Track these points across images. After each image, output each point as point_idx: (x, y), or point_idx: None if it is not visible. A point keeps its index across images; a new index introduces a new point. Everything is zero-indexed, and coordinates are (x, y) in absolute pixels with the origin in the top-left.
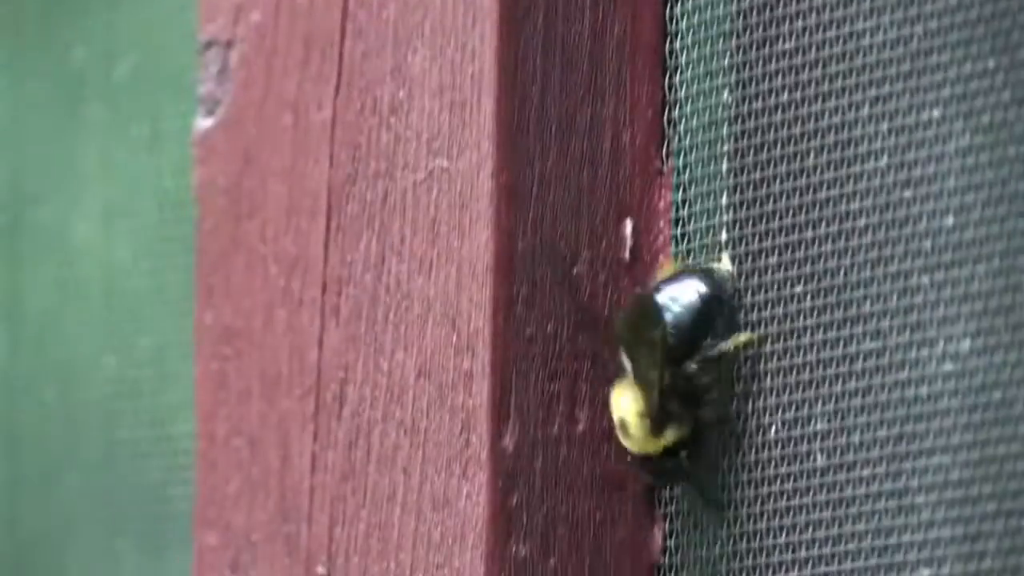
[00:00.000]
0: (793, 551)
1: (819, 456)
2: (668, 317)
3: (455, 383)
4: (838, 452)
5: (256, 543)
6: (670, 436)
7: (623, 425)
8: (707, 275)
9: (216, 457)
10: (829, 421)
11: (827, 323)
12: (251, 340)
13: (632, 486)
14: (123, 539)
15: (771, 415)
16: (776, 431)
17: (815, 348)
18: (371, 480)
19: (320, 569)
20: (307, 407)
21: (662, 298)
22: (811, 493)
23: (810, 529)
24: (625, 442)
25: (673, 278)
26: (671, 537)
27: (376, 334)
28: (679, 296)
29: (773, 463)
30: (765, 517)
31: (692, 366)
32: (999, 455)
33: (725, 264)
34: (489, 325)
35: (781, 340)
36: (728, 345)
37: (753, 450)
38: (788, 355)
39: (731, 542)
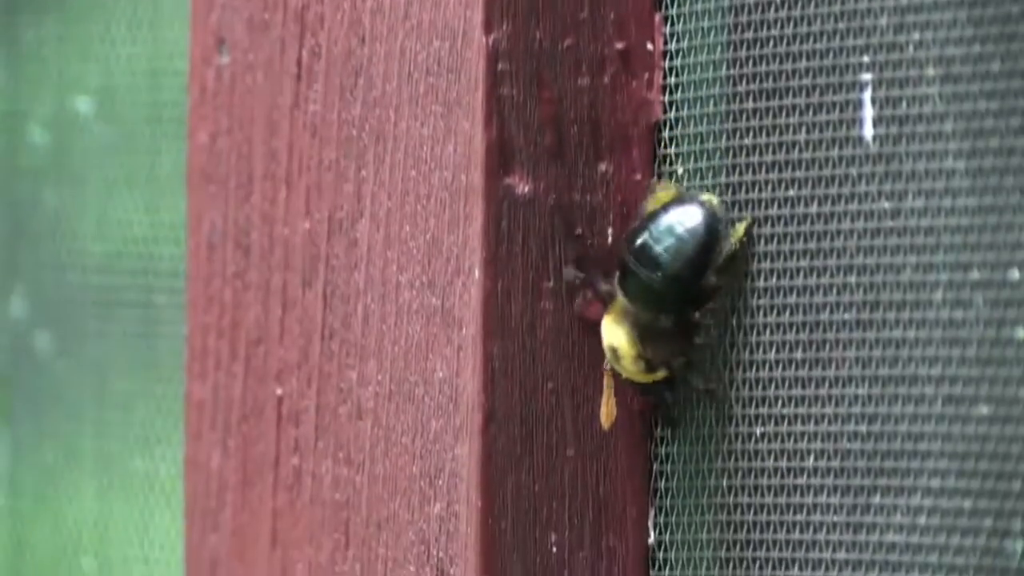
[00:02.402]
0: None
1: None
2: (669, 255)
3: None
4: None
5: None
6: (661, 373)
7: (615, 353)
8: (702, 206)
9: None
10: None
11: None
12: None
13: None
14: None
15: None
16: None
17: None
18: None
19: None
20: None
21: (659, 233)
22: None
23: None
24: (614, 365)
25: (667, 210)
26: None
27: None
28: (677, 232)
29: None
30: None
31: (711, 279)
32: None
33: (713, 197)
34: None
35: None
36: (732, 242)
37: None
38: None
39: None
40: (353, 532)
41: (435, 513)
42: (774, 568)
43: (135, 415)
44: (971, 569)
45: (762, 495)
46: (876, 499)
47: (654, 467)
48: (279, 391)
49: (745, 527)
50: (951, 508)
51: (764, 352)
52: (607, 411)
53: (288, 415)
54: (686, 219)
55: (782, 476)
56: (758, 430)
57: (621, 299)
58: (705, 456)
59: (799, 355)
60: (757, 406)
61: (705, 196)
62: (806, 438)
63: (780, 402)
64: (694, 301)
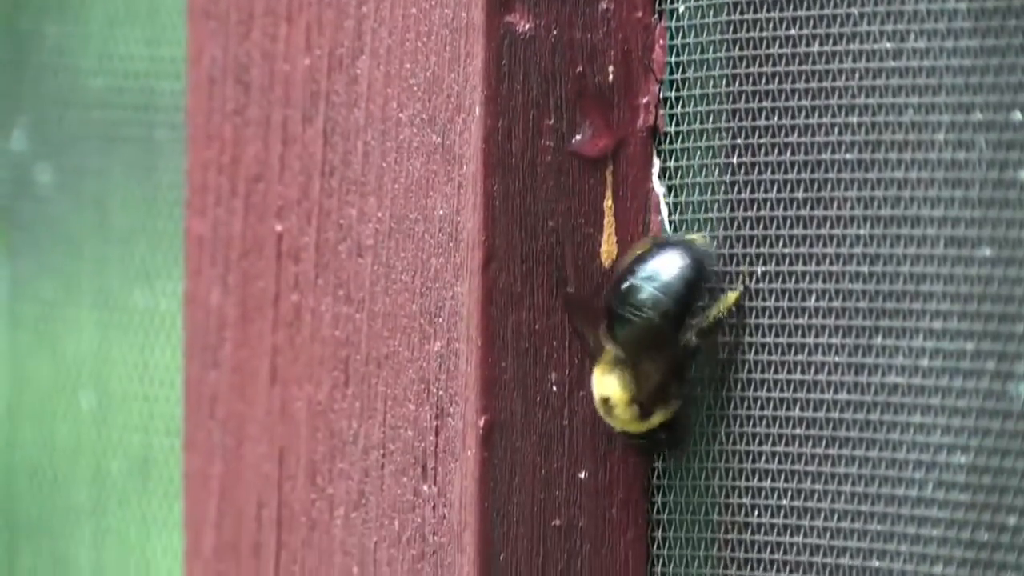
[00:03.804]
0: None
1: None
2: (658, 292)
3: None
4: None
5: None
6: (656, 419)
7: (607, 404)
8: (687, 245)
9: None
10: None
11: None
12: None
13: None
14: None
15: None
16: None
17: None
18: None
19: None
20: None
21: (646, 275)
22: None
23: None
24: (607, 419)
25: (651, 253)
26: None
27: None
28: (663, 271)
29: None
30: None
31: (692, 338)
32: None
33: (701, 238)
34: None
35: None
36: (720, 309)
37: None
38: None
39: None
40: (353, 370)
41: (435, 351)
42: (775, 408)
43: (135, 250)
44: (974, 412)
45: (763, 335)
46: (878, 340)
47: None
48: (279, 227)
49: (746, 366)
50: (953, 350)
51: (765, 191)
52: (608, 249)
53: (288, 252)
54: (672, 258)
55: (783, 316)
56: (759, 269)
57: (610, 350)
58: None
59: (800, 194)
60: (758, 245)
61: (689, 236)
62: (807, 278)
63: (781, 241)
64: (681, 351)
